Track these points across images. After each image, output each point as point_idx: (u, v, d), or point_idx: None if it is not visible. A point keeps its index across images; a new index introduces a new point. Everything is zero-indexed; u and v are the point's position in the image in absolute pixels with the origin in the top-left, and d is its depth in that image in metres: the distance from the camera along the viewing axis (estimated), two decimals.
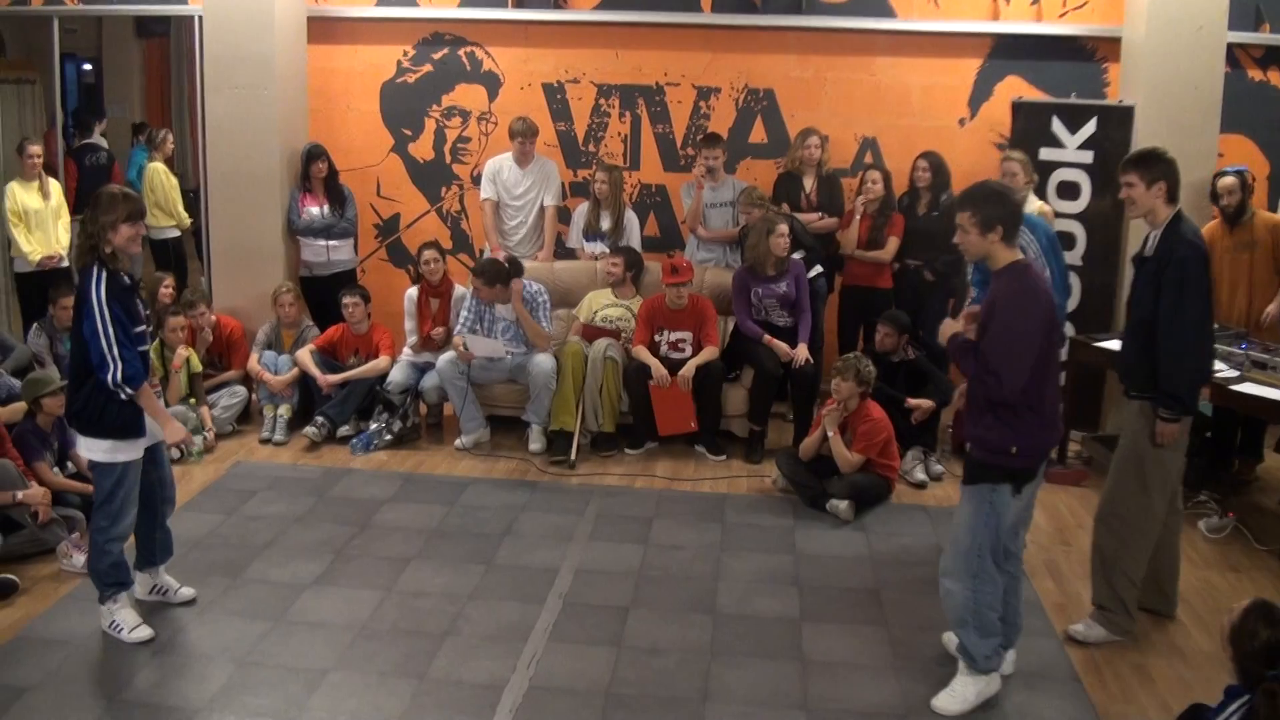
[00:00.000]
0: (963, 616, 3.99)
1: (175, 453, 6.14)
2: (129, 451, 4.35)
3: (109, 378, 4.18)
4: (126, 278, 4.38)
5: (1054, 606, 4.89)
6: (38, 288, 7.30)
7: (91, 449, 4.34)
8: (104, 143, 9.71)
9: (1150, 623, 4.71)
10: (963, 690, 4.04)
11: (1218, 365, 5.35)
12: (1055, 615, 4.80)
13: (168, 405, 6.04)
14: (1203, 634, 4.65)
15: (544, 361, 6.71)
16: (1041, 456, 3.99)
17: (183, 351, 6.74)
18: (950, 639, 4.35)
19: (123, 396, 4.22)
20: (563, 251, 7.75)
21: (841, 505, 5.76)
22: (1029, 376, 3.77)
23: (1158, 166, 4.37)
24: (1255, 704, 3.05)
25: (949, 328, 4.11)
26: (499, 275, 6.71)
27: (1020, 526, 4.10)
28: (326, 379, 6.92)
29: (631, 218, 7.53)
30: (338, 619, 4.62)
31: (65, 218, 7.49)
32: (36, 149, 7.53)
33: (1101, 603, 4.61)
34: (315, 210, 7.54)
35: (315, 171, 7.52)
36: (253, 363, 7.08)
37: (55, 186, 7.62)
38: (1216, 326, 5.05)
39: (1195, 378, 4.39)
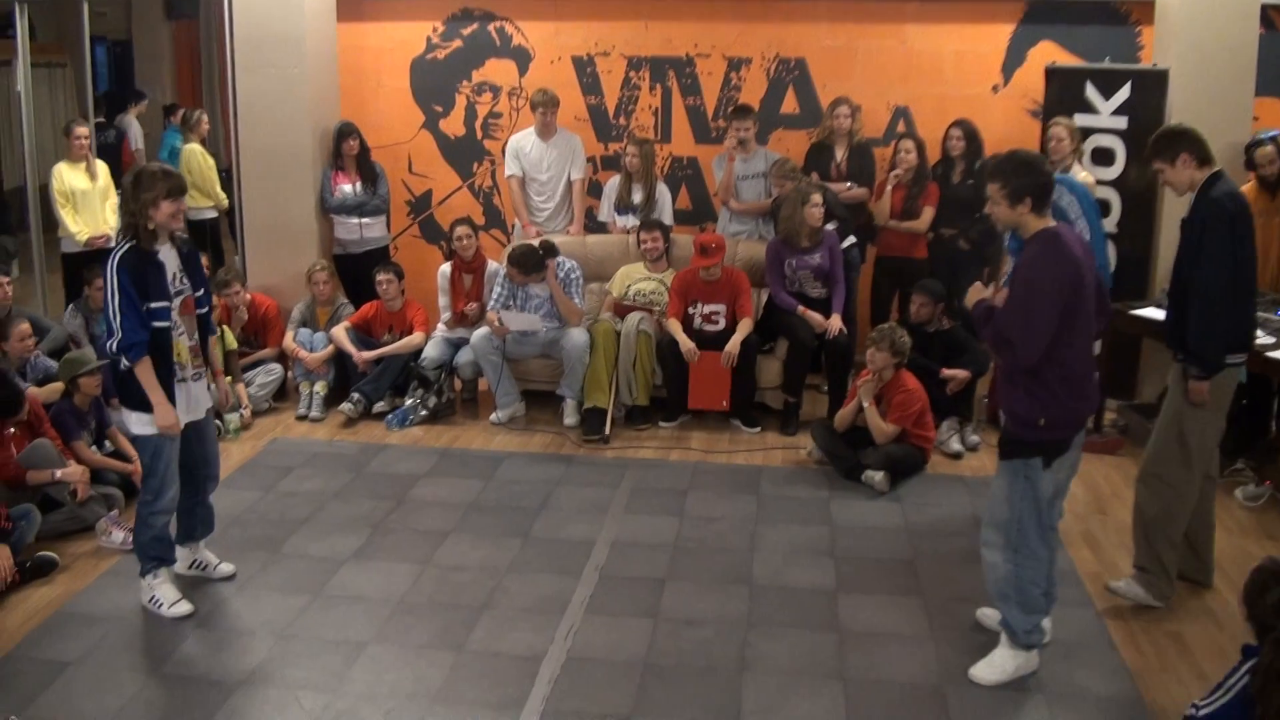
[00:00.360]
0: (1004, 590, 3.97)
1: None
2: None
3: (109, 345, 4.23)
4: (179, 251, 4.40)
5: (1090, 576, 4.86)
6: (87, 268, 7.35)
7: (131, 421, 4.39)
8: (133, 123, 9.81)
9: (1187, 591, 4.68)
10: (1002, 662, 4.02)
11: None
12: (1092, 585, 4.77)
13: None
14: (1238, 602, 4.60)
15: (577, 336, 6.72)
16: (1073, 427, 3.91)
17: None
18: (987, 614, 4.34)
19: (121, 366, 4.24)
20: (594, 225, 7.74)
21: (877, 476, 5.74)
22: (1053, 343, 3.71)
23: (1175, 143, 4.36)
24: (1263, 655, 3.14)
25: (976, 292, 4.05)
26: (535, 264, 6.71)
27: (1058, 498, 4.06)
28: (362, 355, 6.95)
29: (663, 191, 7.50)
30: (376, 592, 4.66)
31: (113, 198, 7.51)
32: (83, 130, 7.59)
33: (1143, 564, 4.60)
34: (348, 188, 7.55)
35: (347, 149, 7.53)
36: (288, 340, 7.12)
37: (103, 167, 7.65)
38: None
39: (1219, 336, 4.31)
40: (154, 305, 4.27)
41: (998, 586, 3.99)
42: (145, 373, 4.27)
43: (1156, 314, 5.55)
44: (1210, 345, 4.31)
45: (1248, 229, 4.34)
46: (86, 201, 7.46)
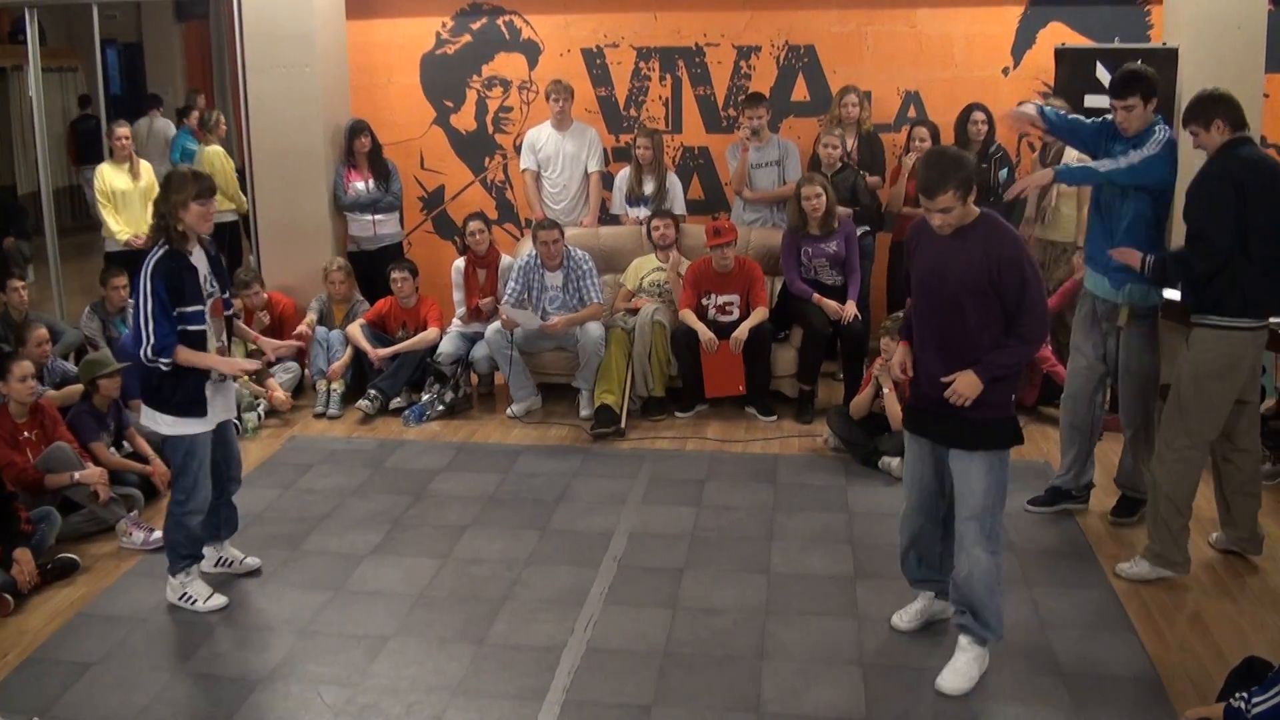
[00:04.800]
0: (990, 583, 3.85)
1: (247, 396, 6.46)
2: (195, 425, 4.40)
3: (141, 353, 4.25)
4: (206, 253, 4.42)
5: (1109, 558, 4.85)
6: (125, 269, 7.37)
7: (159, 422, 4.42)
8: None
9: (1203, 571, 4.68)
10: (968, 668, 3.90)
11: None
12: (1109, 565, 4.77)
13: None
14: (1258, 581, 4.62)
15: (593, 328, 6.73)
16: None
17: None
18: (909, 619, 4.28)
19: (163, 368, 4.26)
20: (606, 217, 7.74)
21: (894, 462, 5.73)
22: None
23: (1211, 108, 4.40)
24: None
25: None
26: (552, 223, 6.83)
27: None
28: (377, 353, 6.98)
29: (674, 181, 7.51)
30: (396, 587, 4.68)
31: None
32: (124, 130, 7.62)
33: (1150, 535, 4.63)
34: (360, 185, 7.58)
35: (359, 147, 7.56)
36: (305, 325, 7.16)
37: (146, 168, 7.69)
38: None
39: (1182, 278, 4.54)
40: (188, 310, 4.28)
41: (984, 580, 3.84)
42: (189, 355, 4.29)
43: (1171, 294, 5.51)
44: (1174, 275, 4.52)
45: (1269, 195, 4.31)
46: (127, 202, 7.51)
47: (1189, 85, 6.67)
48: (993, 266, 3.67)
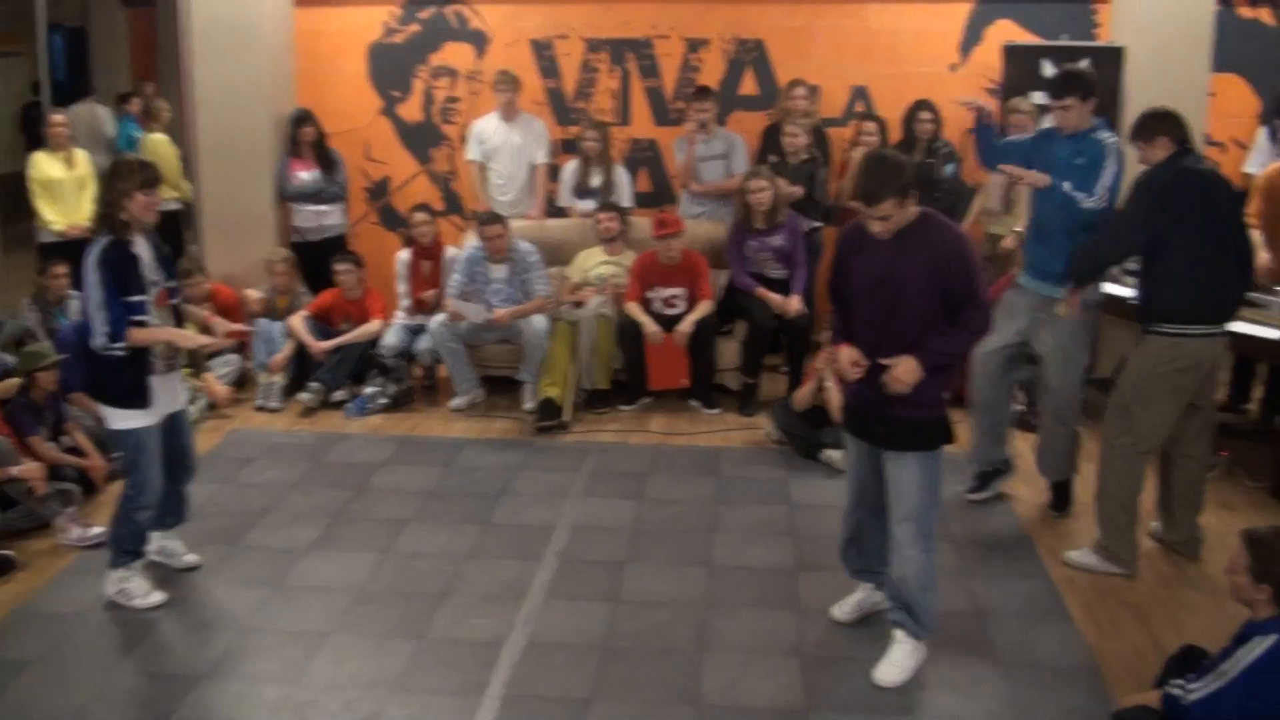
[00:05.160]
0: (924, 581, 3.90)
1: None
2: (140, 418, 4.34)
3: (95, 343, 4.19)
4: (149, 243, 4.36)
5: (1047, 548, 4.94)
6: (63, 259, 7.24)
7: (111, 417, 4.36)
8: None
9: (1142, 560, 4.74)
10: (903, 660, 3.94)
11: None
12: (1048, 558, 4.84)
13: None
14: (1195, 570, 4.72)
15: (538, 321, 6.71)
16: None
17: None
18: (848, 610, 4.32)
19: (119, 353, 4.19)
20: (553, 210, 7.72)
21: (835, 455, 5.77)
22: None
23: (1157, 125, 4.52)
24: None
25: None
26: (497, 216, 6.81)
27: None
28: (318, 347, 6.92)
29: (622, 174, 7.51)
30: (336, 583, 4.65)
31: (91, 188, 7.33)
32: (59, 118, 7.47)
33: (1099, 529, 4.71)
34: (305, 175, 7.52)
35: (303, 136, 7.49)
36: (250, 295, 7.13)
37: (82, 157, 7.53)
38: None
39: (1090, 265, 4.70)
40: (132, 299, 4.22)
41: (918, 579, 3.88)
42: (142, 334, 4.23)
43: (1110, 288, 5.61)
44: (1082, 266, 4.64)
45: (1211, 203, 4.41)
46: (62, 191, 7.35)
47: (1136, 84, 6.78)
48: (940, 264, 3.69)
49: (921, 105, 7.15)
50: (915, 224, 3.76)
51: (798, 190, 6.96)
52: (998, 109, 6.90)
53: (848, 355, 3.85)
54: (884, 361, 3.73)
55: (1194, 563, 4.78)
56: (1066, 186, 4.79)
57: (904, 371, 3.71)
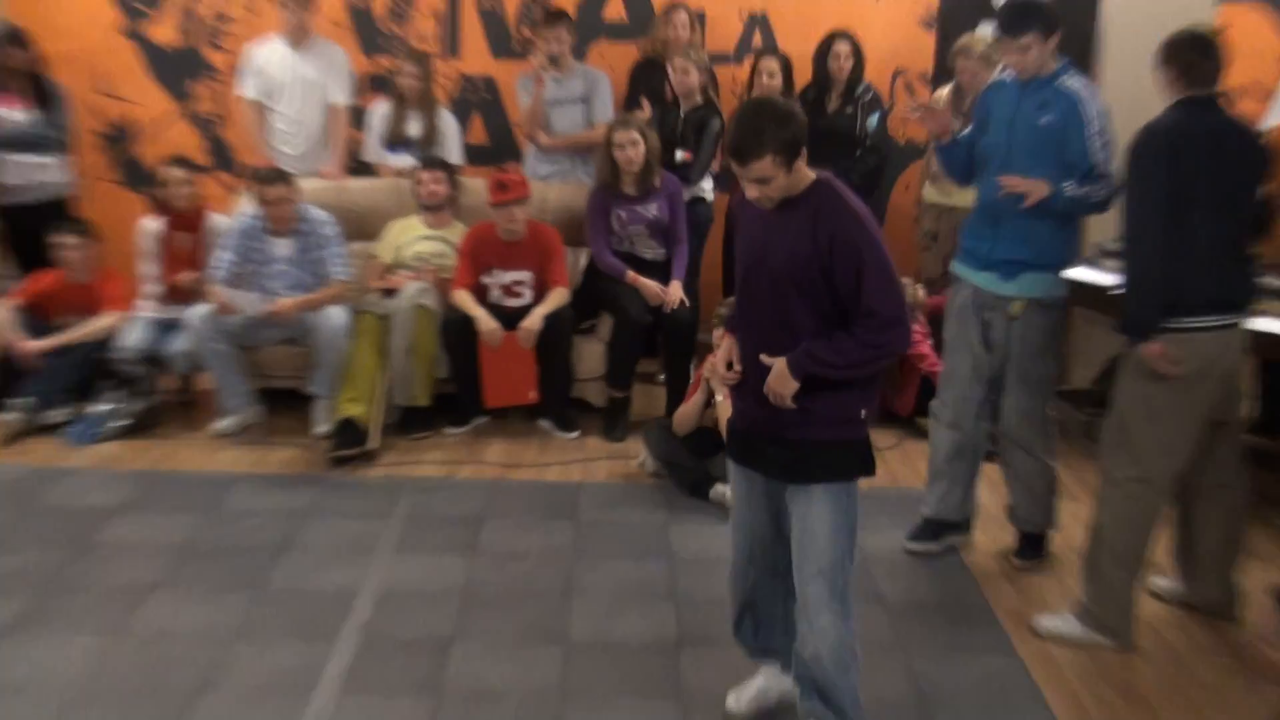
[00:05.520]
0: (843, 658, 3.80)
1: None
2: None
3: None
4: None
5: (1008, 612, 4.93)
6: None
7: None
8: None
9: (1143, 630, 4.72)
10: None
11: None
12: (1013, 626, 4.82)
13: None
14: (1212, 637, 4.74)
15: (334, 314, 6.61)
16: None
17: None
18: (748, 700, 4.21)
19: None
20: (357, 167, 7.67)
21: (729, 491, 5.67)
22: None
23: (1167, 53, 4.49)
24: None
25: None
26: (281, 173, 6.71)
27: None
28: (29, 346, 6.68)
29: (449, 121, 7.52)
30: (46, 679, 4.35)
31: None
32: None
33: (1084, 593, 4.67)
34: (14, 115, 7.24)
35: (9, 60, 7.20)
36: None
37: None
38: None
39: (1145, 287, 4.40)
40: None
41: (834, 656, 3.78)
42: None
43: (1087, 275, 5.62)
44: (1134, 300, 4.39)
45: (1225, 163, 4.35)
46: None
47: (1118, 14, 6.81)
48: (823, 247, 3.58)
49: (837, 37, 7.19)
50: (805, 193, 3.67)
51: (687, 156, 6.93)
52: (948, 102, 6.85)
53: (721, 354, 3.86)
54: (768, 361, 3.68)
55: (1211, 628, 4.78)
56: (1069, 188, 4.76)
57: (773, 378, 3.67)
